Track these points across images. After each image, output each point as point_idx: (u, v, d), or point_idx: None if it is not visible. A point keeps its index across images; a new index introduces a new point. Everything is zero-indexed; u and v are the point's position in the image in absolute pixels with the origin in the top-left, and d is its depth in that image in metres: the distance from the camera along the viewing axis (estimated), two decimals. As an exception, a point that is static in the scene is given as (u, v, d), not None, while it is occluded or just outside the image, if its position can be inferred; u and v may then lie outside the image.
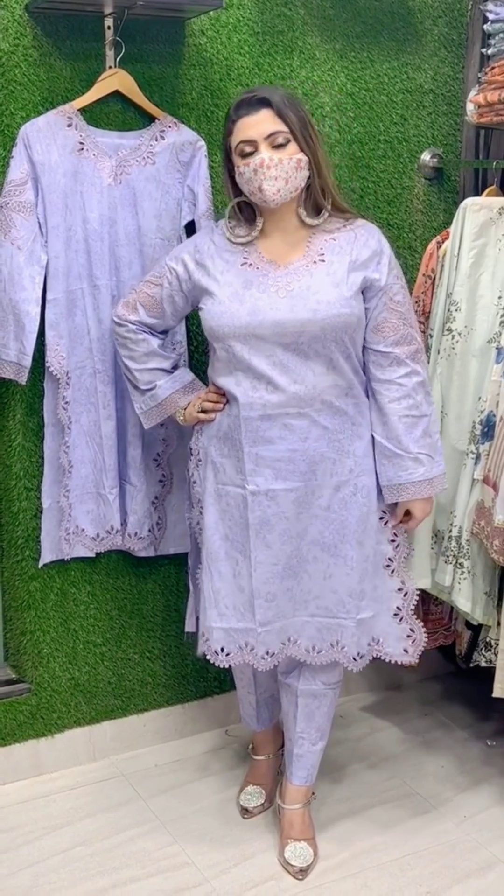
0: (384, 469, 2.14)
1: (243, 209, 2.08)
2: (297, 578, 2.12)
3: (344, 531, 2.11)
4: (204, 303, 2.08)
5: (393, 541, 2.20)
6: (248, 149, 1.98)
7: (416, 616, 2.24)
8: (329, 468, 2.08)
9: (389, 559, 2.20)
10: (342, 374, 2.07)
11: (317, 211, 2.07)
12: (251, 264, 2.06)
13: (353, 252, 2.06)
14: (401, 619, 2.21)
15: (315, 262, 2.05)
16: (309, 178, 2.03)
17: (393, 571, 2.21)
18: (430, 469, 2.13)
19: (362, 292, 2.06)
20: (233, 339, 2.02)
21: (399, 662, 2.22)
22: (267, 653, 2.13)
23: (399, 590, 2.21)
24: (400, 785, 2.56)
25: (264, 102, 1.97)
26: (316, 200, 2.06)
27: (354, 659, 2.16)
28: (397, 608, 2.21)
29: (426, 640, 2.23)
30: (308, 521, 2.10)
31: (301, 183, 2.02)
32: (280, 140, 1.97)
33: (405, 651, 2.22)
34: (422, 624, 2.23)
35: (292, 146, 1.99)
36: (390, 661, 2.22)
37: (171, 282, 2.12)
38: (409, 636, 2.22)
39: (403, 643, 2.21)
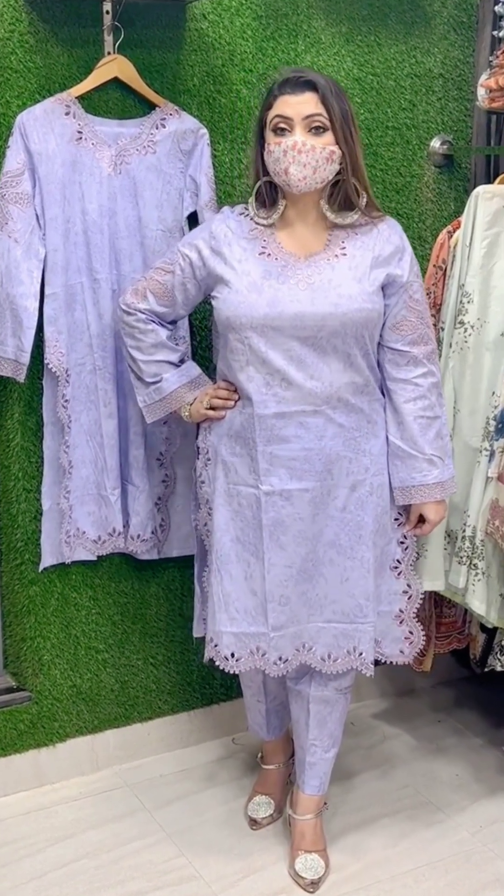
0: (396, 470, 2.15)
1: (267, 191, 2.08)
2: (312, 582, 2.13)
3: (360, 532, 2.12)
4: (219, 291, 2.08)
5: (402, 542, 2.22)
6: (282, 126, 1.99)
7: (416, 619, 2.26)
8: (345, 467, 2.09)
9: (398, 561, 2.22)
10: (359, 371, 2.08)
11: (342, 208, 2.08)
12: (270, 254, 2.06)
13: (376, 247, 2.07)
14: (402, 622, 2.24)
15: (337, 255, 2.06)
16: (339, 173, 2.04)
17: (400, 573, 2.22)
18: (443, 472, 2.16)
19: (382, 288, 2.08)
20: (249, 331, 2.03)
21: (394, 663, 2.26)
22: (280, 658, 2.14)
23: (404, 592, 2.23)
24: (413, 794, 2.56)
25: (310, 85, 1.98)
26: (345, 198, 2.06)
27: (372, 664, 2.17)
28: (400, 610, 2.23)
29: (423, 642, 2.26)
30: (323, 522, 2.11)
31: (329, 176, 2.03)
32: (317, 125, 1.98)
33: (401, 652, 2.25)
34: (423, 627, 2.26)
35: (328, 136, 2.00)
36: (385, 661, 2.26)
37: (184, 268, 2.13)
38: (407, 638, 2.25)
39: (401, 644, 2.24)
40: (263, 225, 2.09)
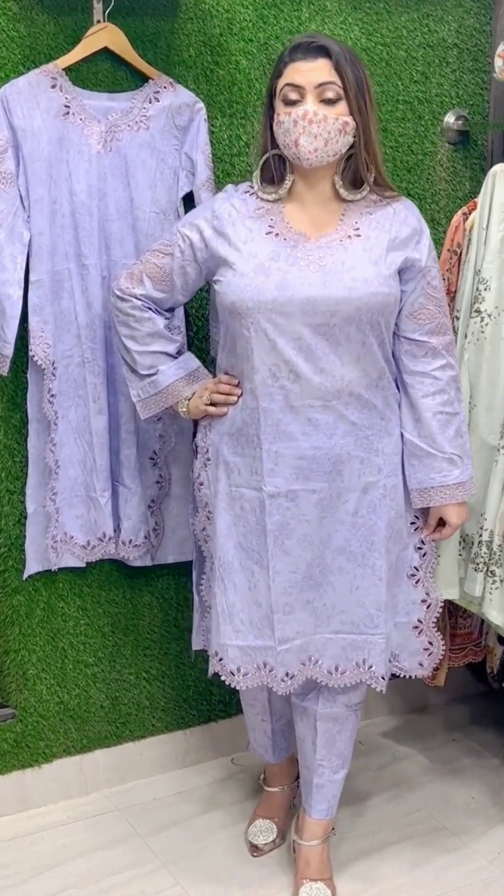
0: (414, 471, 2.14)
1: (275, 165, 2.07)
2: (319, 591, 2.11)
3: (372, 538, 2.10)
4: (222, 275, 2.06)
5: (420, 548, 2.20)
6: (293, 95, 1.98)
7: (436, 627, 2.25)
8: (357, 468, 2.07)
9: (415, 568, 2.20)
10: (373, 363, 2.06)
11: (354, 184, 2.07)
12: (278, 234, 2.04)
13: (392, 229, 2.06)
14: (420, 633, 2.22)
15: (350, 235, 2.04)
16: (352, 146, 2.02)
17: (418, 581, 2.21)
18: (463, 472, 2.15)
19: (399, 273, 2.06)
20: (257, 316, 2.01)
21: (413, 677, 2.24)
22: (287, 674, 2.12)
23: (423, 601, 2.22)
24: (426, 818, 2.55)
25: (324, 51, 1.97)
26: (356, 173, 2.05)
27: (383, 678, 2.15)
28: (418, 620, 2.22)
29: (442, 653, 2.25)
30: (332, 527, 2.09)
31: (342, 149, 2.01)
32: (330, 94, 1.97)
33: (420, 665, 2.23)
34: (441, 637, 2.25)
35: (342, 106, 1.98)
36: (403, 675, 2.24)
37: (184, 250, 2.10)
38: (426, 649, 2.23)
39: (420, 657, 2.23)
40: (269, 201, 2.07)
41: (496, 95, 2.71)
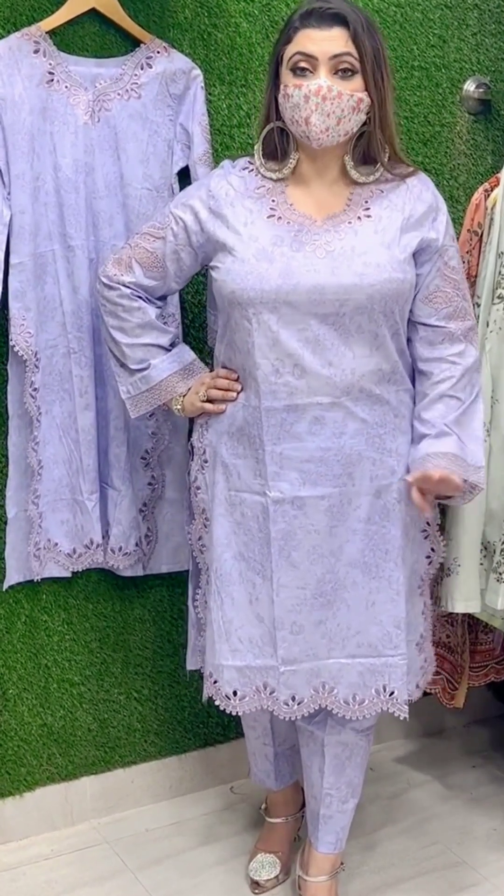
0: (413, 450, 2.11)
1: (278, 140, 2.07)
2: (332, 609, 2.12)
3: (387, 547, 2.11)
4: (220, 261, 2.07)
5: (428, 557, 2.22)
6: (304, 65, 1.97)
7: (431, 641, 2.28)
8: (368, 470, 2.08)
9: (422, 579, 2.22)
10: (386, 356, 2.07)
11: (364, 162, 2.07)
12: (280, 217, 2.05)
13: (407, 207, 2.06)
14: (421, 650, 2.23)
15: (360, 217, 2.05)
16: (366, 124, 2.02)
17: (422, 592, 2.23)
18: (461, 449, 2.07)
19: (414, 255, 2.06)
20: (259, 307, 2.01)
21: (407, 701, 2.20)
22: (293, 699, 2.12)
23: (422, 613, 2.24)
24: (443, 852, 2.56)
25: (340, 19, 1.96)
26: (369, 152, 2.06)
27: (406, 703, 2.15)
28: (421, 636, 2.23)
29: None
30: (344, 536, 2.10)
31: (354, 127, 2.02)
32: (346, 66, 1.96)
33: (417, 687, 2.23)
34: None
35: (357, 81, 1.98)
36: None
37: (178, 234, 2.11)
38: (422, 667, 2.24)
39: (416, 677, 2.23)
40: (272, 179, 2.08)
41: (520, 61, 2.73)
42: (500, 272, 2.36)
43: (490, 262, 2.39)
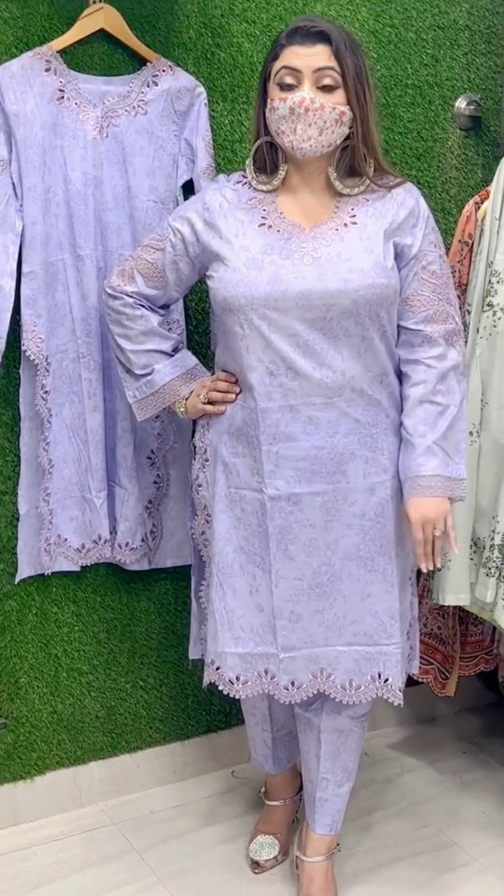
0: (401, 460, 2.10)
1: (268, 153, 2.07)
2: (330, 600, 2.11)
3: (382, 541, 2.10)
4: (214, 270, 2.07)
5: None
6: (289, 79, 1.98)
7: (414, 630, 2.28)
8: (361, 468, 2.07)
9: (411, 571, 2.22)
10: (376, 358, 2.06)
11: (348, 175, 2.07)
12: (271, 226, 2.05)
13: (390, 214, 2.06)
14: (409, 637, 2.24)
15: (346, 224, 2.04)
16: (349, 137, 2.03)
17: (412, 584, 2.24)
18: (446, 466, 2.07)
19: (395, 258, 2.06)
20: (250, 313, 2.01)
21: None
22: (292, 683, 2.12)
23: (411, 603, 2.24)
24: (435, 834, 2.55)
25: (323, 37, 1.97)
26: (351, 165, 2.06)
27: (399, 690, 2.15)
28: (409, 625, 2.24)
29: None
30: (340, 531, 2.09)
31: (337, 140, 2.01)
32: (328, 81, 1.97)
33: (403, 673, 2.21)
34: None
35: (340, 95, 1.98)
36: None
37: (176, 245, 2.11)
38: (408, 654, 2.24)
39: (403, 664, 2.21)
40: (263, 191, 2.07)
41: (509, 79, 2.72)
42: (489, 281, 2.35)
43: (480, 271, 2.38)
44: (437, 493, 2.06)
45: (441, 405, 2.08)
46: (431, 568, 2.08)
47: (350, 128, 2.01)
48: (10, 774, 2.54)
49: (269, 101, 2.01)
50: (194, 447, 2.21)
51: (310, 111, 1.96)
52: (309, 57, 1.96)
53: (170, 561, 2.54)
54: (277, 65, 1.99)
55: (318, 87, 1.97)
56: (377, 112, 2.08)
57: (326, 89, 1.97)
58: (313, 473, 2.06)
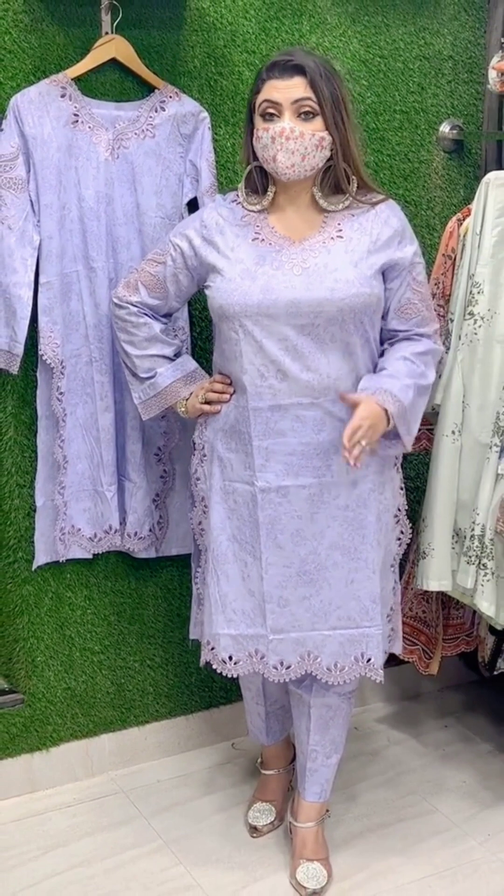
0: (369, 377, 2.07)
1: (258, 177, 2.09)
2: (316, 587, 2.12)
3: (363, 532, 2.11)
4: (212, 281, 2.09)
5: (399, 539, 2.24)
6: (271, 111, 1.99)
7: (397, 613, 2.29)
8: (345, 463, 2.07)
9: (393, 558, 2.23)
10: (359, 362, 2.08)
11: (333, 193, 2.08)
12: (263, 239, 2.06)
13: (374, 231, 2.07)
14: (390, 619, 2.25)
15: (333, 238, 2.06)
16: (330, 159, 2.04)
17: (394, 570, 2.24)
18: (399, 389, 2.04)
19: (383, 273, 2.08)
20: (244, 320, 2.03)
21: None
22: (281, 663, 2.13)
23: (392, 588, 2.25)
24: (419, 801, 2.56)
25: (299, 70, 1.98)
26: (335, 183, 2.07)
27: (381, 669, 2.16)
28: (391, 609, 2.24)
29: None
30: (325, 522, 2.10)
31: (319, 163, 2.03)
32: (306, 109, 1.98)
33: (384, 652, 2.23)
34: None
35: (318, 122, 1.99)
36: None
37: (176, 259, 2.13)
38: (389, 635, 2.25)
39: (384, 643, 2.23)
40: (254, 211, 2.09)
41: (490, 106, 2.71)
42: (470, 291, 2.36)
43: (462, 283, 2.39)
44: (387, 406, 2.01)
45: (420, 369, 2.10)
46: (351, 461, 1.99)
47: (331, 150, 2.03)
48: (27, 746, 2.54)
49: (255, 130, 2.03)
50: (193, 443, 2.23)
51: (290, 139, 1.97)
52: (287, 89, 1.97)
53: (175, 549, 2.55)
54: (260, 98, 2.01)
55: (297, 116, 1.98)
56: (357, 133, 2.09)
57: (305, 117, 1.99)
58: (300, 468, 2.07)
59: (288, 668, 2.14)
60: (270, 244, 2.06)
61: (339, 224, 2.07)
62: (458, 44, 2.67)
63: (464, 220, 2.43)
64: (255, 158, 2.07)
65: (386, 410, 2.02)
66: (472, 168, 2.75)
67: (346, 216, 2.08)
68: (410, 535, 2.27)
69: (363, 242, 2.06)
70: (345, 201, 2.08)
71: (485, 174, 2.38)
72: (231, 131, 2.44)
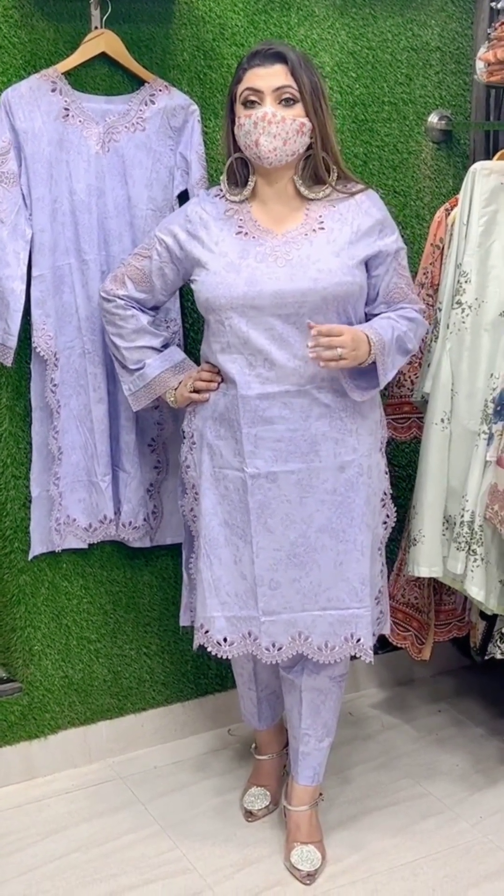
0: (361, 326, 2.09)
1: (239, 169, 2.10)
2: (306, 569, 2.13)
3: (352, 515, 2.13)
4: (197, 274, 2.10)
5: (385, 522, 2.25)
6: (252, 98, 2.01)
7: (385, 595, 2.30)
8: (332, 448, 2.10)
9: (381, 541, 2.25)
10: None
11: (315, 181, 2.09)
12: (246, 233, 2.07)
13: (355, 221, 2.09)
14: (378, 602, 2.26)
15: (315, 229, 2.07)
16: (310, 147, 2.05)
17: (381, 553, 2.26)
18: (381, 328, 2.06)
19: (367, 262, 2.10)
20: (230, 311, 2.04)
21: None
22: (273, 645, 2.14)
23: (380, 571, 2.26)
24: (412, 785, 2.57)
25: (280, 57, 2.00)
26: (316, 172, 2.08)
27: (370, 649, 2.17)
28: (379, 591, 2.26)
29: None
30: (314, 507, 2.11)
31: (300, 149, 2.04)
32: (287, 96, 2.00)
33: (373, 634, 2.23)
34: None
35: (298, 108, 2.01)
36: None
37: (161, 254, 2.14)
38: (377, 618, 2.26)
39: (373, 626, 2.23)
40: (235, 202, 2.10)
41: (477, 96, 2.71)
42: (458, 280, 2.36)
43: (449, 273, 2.39)
44: (369, 334, 2.02)
45: (403, 328, 2.10)
46: (322, 358, 1.97)
47: (311, 138, 2.04)
48: (25, 733, 2.55)
49: (236, 119, 2.04)
50: (183, 432, 2.23)
51: (272, 123, 1.99)
52: (268, 77, 1.99)
53: (169, 539, 2.55)
54: (241, 87, 2.02)
55: (278, 103, 2.00)
56: (334, 123, 2.10)
57: (286, 104, 2.01)
58: (289, 454, 2.08)
59: (280, 649, 2.15)
60: (254, 237, 2.07)
61: (320, 216, 2.08)
62: (445, 35, 2.67)
63: (452, 209, 2.44)
64: (237, 150, 2.08)
65: (368, 338, 2.02)
66: (461, 158, 2.75)
67: (327, 206, 2.09)
68: (395, 519, 2.27)
69: (344, 233, 2.07)
70: (325, 190, 2.09)
71: (472, 164, 2.37)
72: (220, 124, 2.42)
